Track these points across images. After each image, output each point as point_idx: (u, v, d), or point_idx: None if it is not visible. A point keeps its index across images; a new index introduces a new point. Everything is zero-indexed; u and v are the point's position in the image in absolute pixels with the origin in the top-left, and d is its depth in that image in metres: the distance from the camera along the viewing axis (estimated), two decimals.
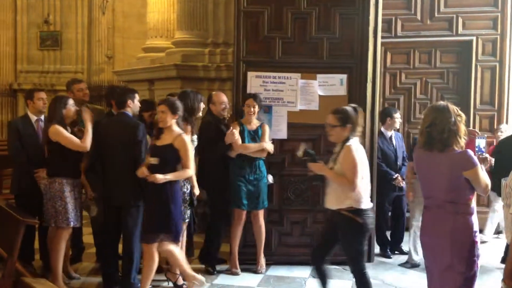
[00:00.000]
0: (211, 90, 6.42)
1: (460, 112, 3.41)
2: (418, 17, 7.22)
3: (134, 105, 4.82)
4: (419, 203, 5.60)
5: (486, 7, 7.04)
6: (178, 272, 4.89)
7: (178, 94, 5.17)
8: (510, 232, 2.67)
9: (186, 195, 4.86)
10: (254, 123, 5.27)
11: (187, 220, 4.94)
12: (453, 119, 3.35)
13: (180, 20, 7.40)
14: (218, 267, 5.48)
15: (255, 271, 5.36)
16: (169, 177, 4.35)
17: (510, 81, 7.12)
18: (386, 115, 6.15)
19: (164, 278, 5.01)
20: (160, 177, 4.30)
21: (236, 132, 5.09)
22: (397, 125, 6.24)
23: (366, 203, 4.03)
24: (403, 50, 7.35)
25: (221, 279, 5.24)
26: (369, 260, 5.76)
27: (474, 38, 7.10)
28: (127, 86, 7.83)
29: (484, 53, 7.14)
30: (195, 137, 4.97)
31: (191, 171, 4.52)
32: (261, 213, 5.36)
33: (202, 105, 5.09)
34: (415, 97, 7.41)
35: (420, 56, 7.36)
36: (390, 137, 6.15)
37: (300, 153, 4.49)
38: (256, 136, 5.26)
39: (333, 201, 4.08)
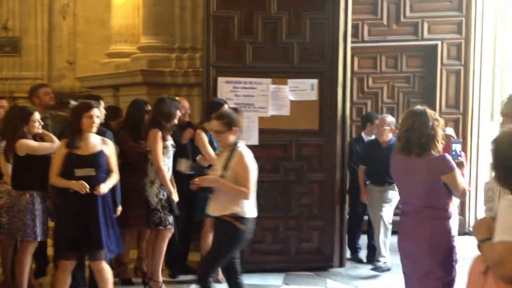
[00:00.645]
0: (179, 96, 6.29)
1: (437, 116, 3.43)
2: (384, 22, 7.27)
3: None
4: (374, 205, 5.68)
5: (450, 11, 7.14)
6: (160, 280, 4.87)
7: (156, 100, 5.04)
8: None
9: (163, 201, 4.77)
10: None
11: (169, 227, 4.84)
12: (430, 123, 3.35)
13: (146, 25, 7.24)
14: (190, 277, 5.36)
15: (217, 281, 5.24)
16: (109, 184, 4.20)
17: (474, 84, 7.23)
18: (366, 120, 6.14)
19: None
20: (104, 187, 4.13)
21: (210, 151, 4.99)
22: None
23: (251, 212, 3.93)
24: (370, 54, 7.39)
25: None
26: (341, 265, 5.75)
27: (439, 43, 7.20)
28: (91, 92, 7.63)
29: (449, 57, 7.24)
30: (170, 142, 4.86)
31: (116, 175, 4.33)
32: None
33: (179, 113, 4.96)
34: (382, 101, 7.46)
35: (387, 60, 7.43)
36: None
37: (182, 168, 4.46)
38: None
39: (217, 208, 3.92)
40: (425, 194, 3.39)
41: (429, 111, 3.43)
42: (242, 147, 3.92)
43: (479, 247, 2.14)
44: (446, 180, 3.31)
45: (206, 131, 5.08)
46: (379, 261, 5.56)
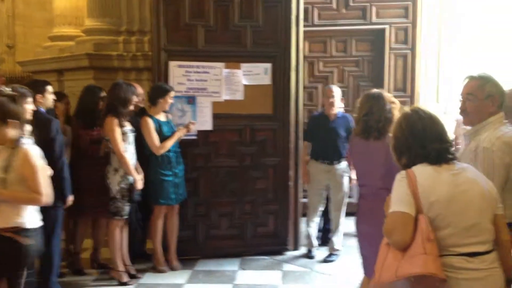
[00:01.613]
0: (127, 81, 6.11)
1: (393, 99, 3.46)
2: (334, 6, 7.28)
3: (45, 99, 4.49)
4: (314, 188, 5.59)
5: None
6: (121, 269, 4.82)
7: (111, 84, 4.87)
8: None
9: (124, 190, 4.66)
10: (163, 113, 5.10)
11: (125, 217, 4.73)
12: (388, 106, 3.39)
13: (91, 6, 6.96)
14: (144, 266, 5.27)
15: (172, 268, 5.19)
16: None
17: (421, 68, 7.40)
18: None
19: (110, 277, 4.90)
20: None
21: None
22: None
23: (36, 221, 3.26)
24: (320, 38, 7.39)
25: (148, 279, 5.02)
26: (296, 248, 5.79)
27: (387, 27, 7.27)
28: (33, 77, 7.32)
29: (397, 41, 7.34)
30: (128, 128, 4.73)
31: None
32: (177, 206, 5.20)
33: (135, 98, 4.81)
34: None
35: (337, 44, 7.45)
36: None
37: None
38: (170, 123, 5.12)
39: None
40: (383, 177, 3.42)
41: (386, 94, 3.46)
42: (27, 143, 3.19)
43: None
44: None
45: (152, 118, 4.97)
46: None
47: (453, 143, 6.95)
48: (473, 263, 2.15)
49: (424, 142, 2.31)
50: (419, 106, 2.54)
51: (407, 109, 2.49)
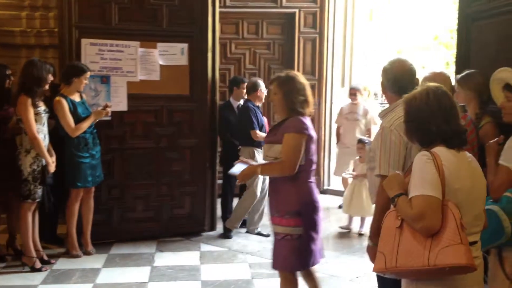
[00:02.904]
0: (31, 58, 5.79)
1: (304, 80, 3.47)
2: None
3: None
4: None
5: None
6: (33, 254, 4.58)
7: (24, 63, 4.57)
8: (374, 194, 2.86)
9: (36, 172, 4.42)
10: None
11: (37, 200, 4.50)
12: (301, 87, 3.40)
13: None
14: (56, 251, 5.08)
15: (87, 253, 5.05)
16: None
17: (328, 52, 7.65)
18: (233, 85, 6.01)
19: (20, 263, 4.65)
20: None
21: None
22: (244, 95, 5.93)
23: None
24: (232, 20, 7.42)
25: (61, 264, 4.83)
26: (212, 228, 5.83)
27: (297, 11, 7.46)
28: None
29: (306, 25, 7.54)
30: (42, 108, 4.49)
31: None
32: (93, 189, 5.06)
33: (50, 77, 4.55)
34: (245, 67, 7.57)
35: (248, 27, 7.53)
36: (238, 107, 5.96)
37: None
38: (85, 104, 4.94)
39: None
40: None
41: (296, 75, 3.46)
42: None
43: (394, 203, 2.21)
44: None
45: (66, 98, 4.76)
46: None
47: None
48: (474, 252, 2.12)
49: (450, 119, 2.21)
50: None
51: (431, 84, 2.34)
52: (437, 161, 2.11)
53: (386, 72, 2.89)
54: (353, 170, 6.27)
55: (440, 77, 3.33)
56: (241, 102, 5.91)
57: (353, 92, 7.07)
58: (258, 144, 5.55)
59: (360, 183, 5.86)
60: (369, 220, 5.93)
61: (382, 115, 2.91)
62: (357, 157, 6.14)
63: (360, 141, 6.05)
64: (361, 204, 5.84)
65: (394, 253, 2.12)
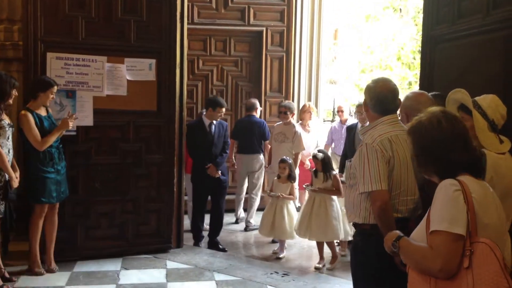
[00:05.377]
0: None
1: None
2: (214, 5, 7.40)
3: None
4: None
5: (274, 0, 7.53)
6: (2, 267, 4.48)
7: None
8: (352, 211, 2.88)
9: None
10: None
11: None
12: None
13: None
14: (17, 268, 4.93)
15: (50, 270, 4.93)
16: None
17: (295, 70, 7.76)
18: (209, 105, 5.94)
19: None
20: None
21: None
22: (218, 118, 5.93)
23: None
24: (200, 37, 7.46)
25: (23, 282, 4.70)
26: (179, 245, 5.78)
27: (264, 29, 7.56)
28: None
29: (273, 43, 7.65)
30: (6, 121, 4.40)
31: None
32: (57, 205, 4.96)
33: (15, 91, 4.46)
34: (212, 84, 7.61)
35: (216, 43, 7.58)
36: (209, 125, 5.95)
37: None
38: (51, 118, 4.86)
39: None
40: None
41: None
42: None
43: (396, 248, 2.08)
44: None
45: (32, 112, 4.68)
46: (250, 222, 6.67)
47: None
48: None
49: (468, 145, 2.01)
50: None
51: (434, 108, 2.15)
52: (466, 192, 1.89)
53: (369, 90, 2.95)
54: (271, 190, 5.88)
55: (423, 97, 3.15)
56: (214, 122, 5.96)
57: (282, 111, 6.57)
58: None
59: (282, 204, 5.71)
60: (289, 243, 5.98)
61: (363, 132, 2.98)
62: (276, 178, 5.92)
63: (283, 161, 5.84)
64: (283, 226, 5.67)
65: None
